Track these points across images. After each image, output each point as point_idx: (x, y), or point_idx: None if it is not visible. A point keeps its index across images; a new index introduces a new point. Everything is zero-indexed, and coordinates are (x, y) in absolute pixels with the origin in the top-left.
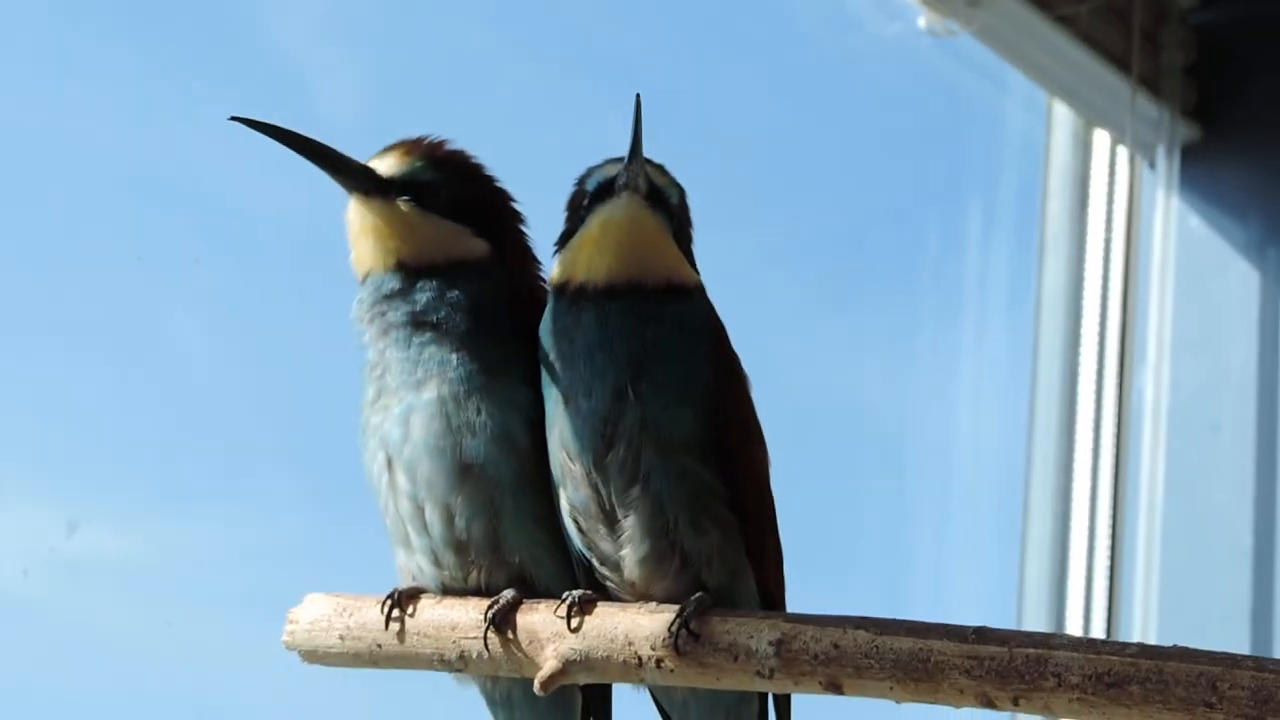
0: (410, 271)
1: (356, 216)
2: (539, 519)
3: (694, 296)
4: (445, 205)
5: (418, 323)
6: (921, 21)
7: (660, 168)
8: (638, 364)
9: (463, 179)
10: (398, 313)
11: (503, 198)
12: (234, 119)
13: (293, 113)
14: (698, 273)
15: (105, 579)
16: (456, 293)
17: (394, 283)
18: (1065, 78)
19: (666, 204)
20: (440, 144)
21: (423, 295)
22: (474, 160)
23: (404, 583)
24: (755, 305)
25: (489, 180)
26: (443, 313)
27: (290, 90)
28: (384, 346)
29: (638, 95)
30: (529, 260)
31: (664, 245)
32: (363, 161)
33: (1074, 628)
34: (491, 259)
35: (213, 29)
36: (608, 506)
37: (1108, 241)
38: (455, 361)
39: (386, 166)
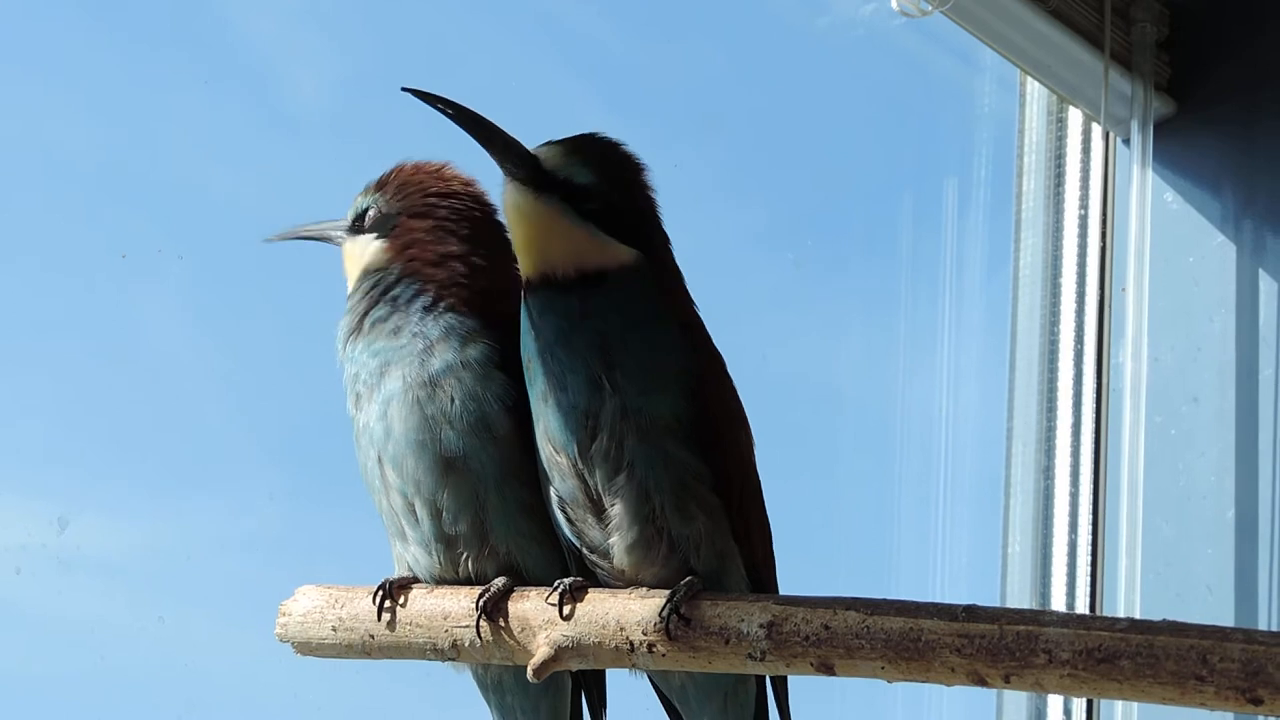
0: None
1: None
2: (525, 509)
3: (621, 280)
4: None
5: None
6: (894, 1)
7: (562, 147)
8: (603, 354)
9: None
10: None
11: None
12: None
13: (267, 104)
14: (643, 245)
15: (97, 575)
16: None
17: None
18: (1038, 55)
19: (568, 184)
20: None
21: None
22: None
23: (400, 571)
24: (732, 286)
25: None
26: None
27: (264, 81)
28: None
29: (427, 95)
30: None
31: (560, 231)
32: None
33: (1058, 603)
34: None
35: (187, 21)
36: (595, 495)
37: (1083, 218)
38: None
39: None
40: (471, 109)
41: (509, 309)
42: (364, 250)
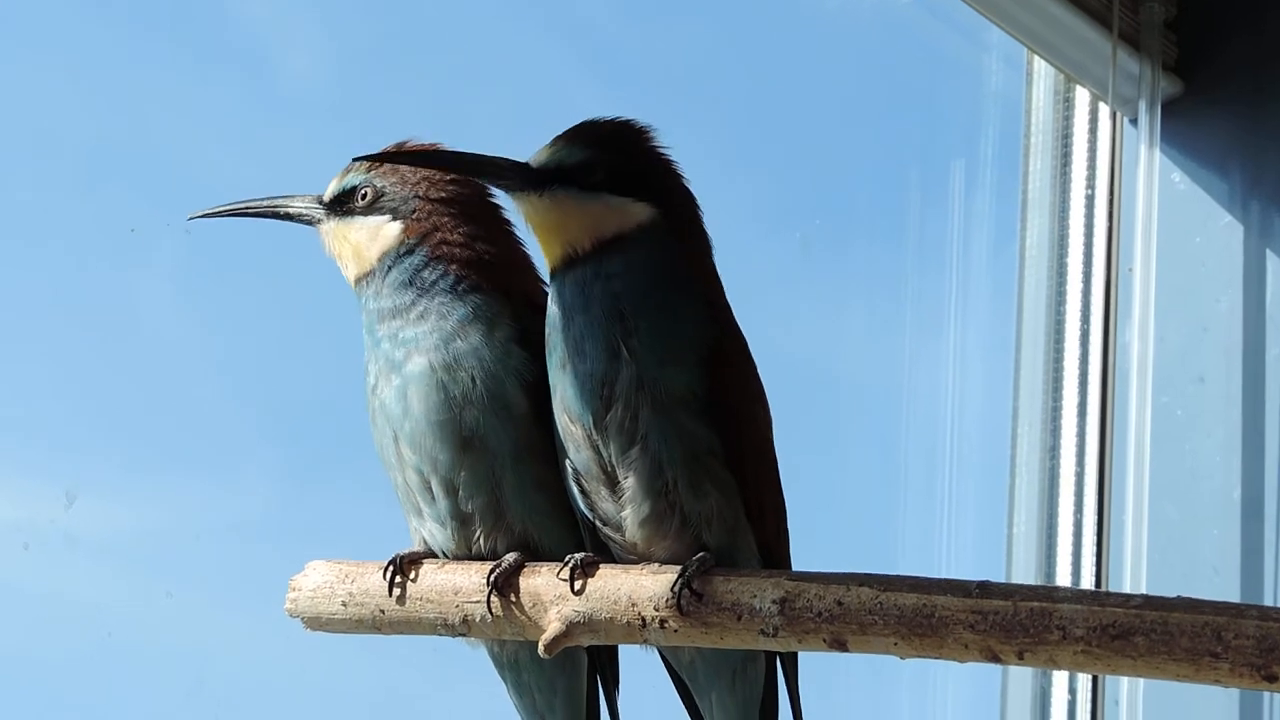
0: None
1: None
2: (540, 485)
3: (638, 240)
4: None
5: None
6: None
7: (551, 144)
8: (619, 318)
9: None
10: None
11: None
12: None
13: (261, 83)
14: (660, 199)
15: (103, 552)
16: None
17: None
18: (1045, 34)
19: (561, 169)
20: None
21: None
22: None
23: (416, 546)
24: (739, 266)
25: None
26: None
27: (259, 60)
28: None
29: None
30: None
31: (569, 213)
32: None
33: (1064, 584)
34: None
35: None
36: (609, 468)
37: (1090, 198)
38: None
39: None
40: (444, 150)
41: (525, 284)
42: (378, 234)
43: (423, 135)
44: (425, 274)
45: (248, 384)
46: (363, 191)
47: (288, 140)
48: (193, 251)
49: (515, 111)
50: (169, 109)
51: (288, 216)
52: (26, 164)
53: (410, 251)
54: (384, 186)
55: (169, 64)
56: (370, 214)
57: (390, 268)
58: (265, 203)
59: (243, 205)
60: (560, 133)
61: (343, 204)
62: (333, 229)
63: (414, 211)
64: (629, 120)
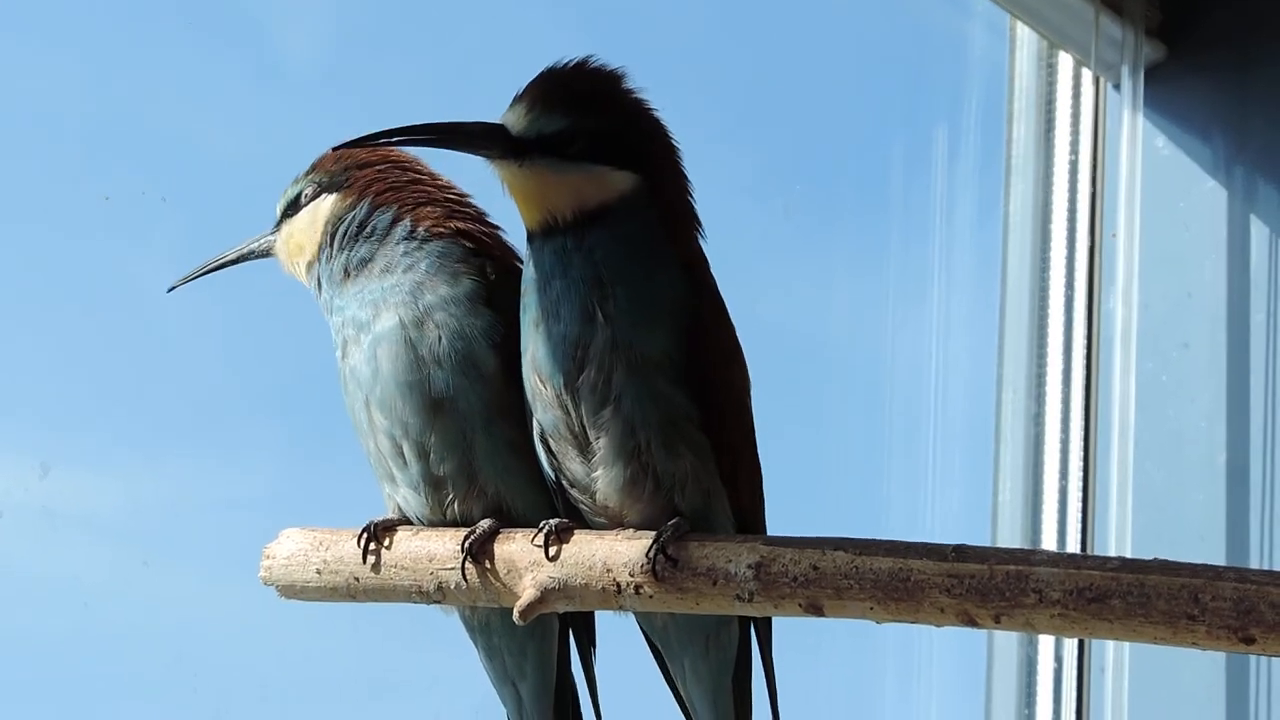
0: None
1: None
2: (513, 448)
3: (621, 212)
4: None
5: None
6: None
7: (524, 104)
8: (598, 283)
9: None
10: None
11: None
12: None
13: (259, 56)
14: (640, 164)
15: (80, 526)
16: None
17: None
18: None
19: (541, 139)
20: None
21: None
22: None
23: (390, 513)
24: (723, 236)
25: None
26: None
27: (256, 34)
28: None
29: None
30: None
31: (552, 185)
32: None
33: (1049, 548)
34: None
35: None
36: (577, 429)
37: (1074, 163)
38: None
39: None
40: (414, 124)
41: (485, 233)
42: (317, 211)
43: (420, 114)
44: (374, 221)
45: (239, 358)
46: (305, 193)
47: (289, 118)
48: (181, 225)
49: (505, 77)
50: (169, 85)
51: (251, 255)
52: (16, 135)
53: (352, 208)
54: (318, 180)
55: (170, 40)
56: (309, 203)
57: (335, 231)
58: (231, 253)
59: (217, 262)
60: (531, 88)
61: (289, 214)
62: (279, 237)
63: (348, 180)
64: (600, 72)
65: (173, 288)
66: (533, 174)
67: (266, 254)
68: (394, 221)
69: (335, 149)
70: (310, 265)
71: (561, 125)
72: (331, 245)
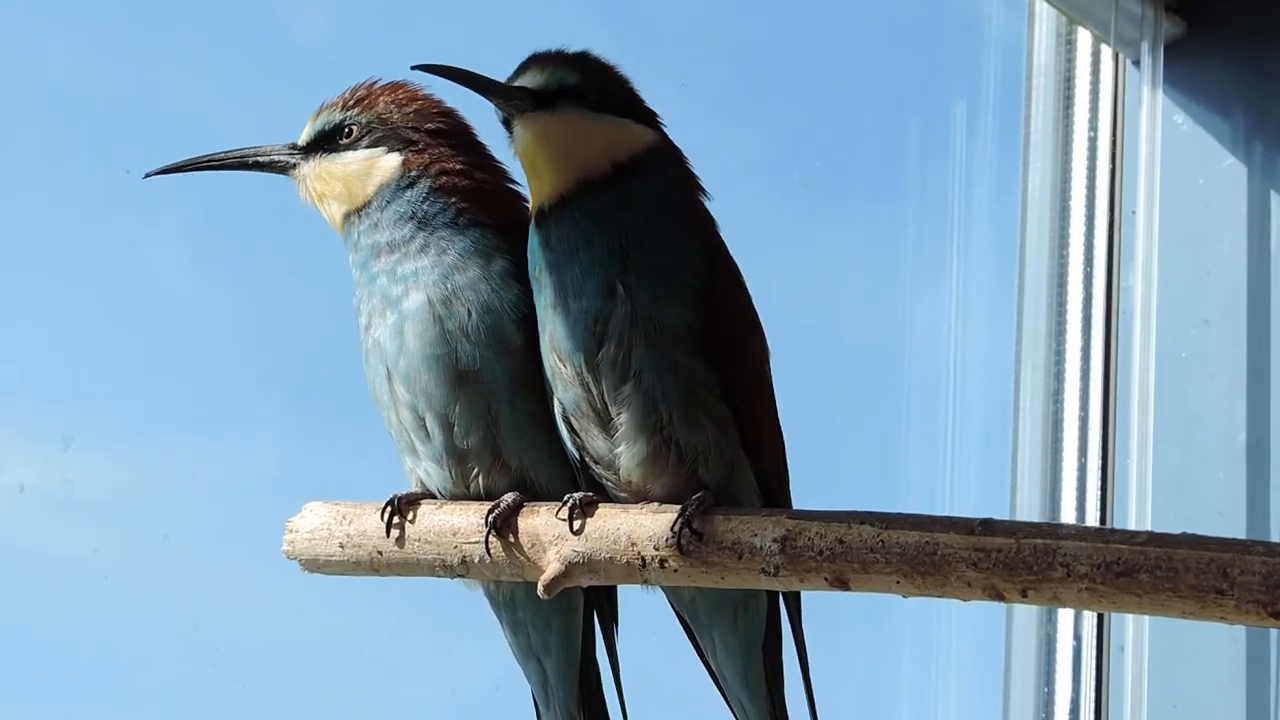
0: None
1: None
2: (537, 421)
3: (650, 164)
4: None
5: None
6: None
7: (536, 66)
8: (621, 254)
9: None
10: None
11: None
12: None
13: (272, 41)
14: (651, 121)
15: (103, 499)
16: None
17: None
18: None
19: (564, 93)
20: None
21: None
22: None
23: (412, 486)
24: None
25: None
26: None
27: (270, 13)
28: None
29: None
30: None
31: (583, 134)
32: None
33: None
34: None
35: None
36: (599, 405)
37: (1092, 140)
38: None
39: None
40: (465, 69)
41: (520, 217)
42: (373, 165)
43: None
44: (426, 207)
45: (253, 339)
46: (347, 129)
47: (305, 99)
48: (194, 206)
49: (517, 53)
50: (180, 62)
51: (258, 166)
52: (30, 115)
53: (411, 184)
54: (369, 121)
55: (187, 22)
56: (358, 148)
57: (389, 201)
58: (233, 154)
59: (208, 158)
60: (532, 57)
61: (323, 145)
62: (314, 169)
63: (412, 143)
64: (587, 51)
65: (150, 174)
66: (566, 121)
67: (283, 173)
68: (444, 208)
69: (414, 68)
70: (347, 216)
71: (576, 79)
72: (380, 212)
